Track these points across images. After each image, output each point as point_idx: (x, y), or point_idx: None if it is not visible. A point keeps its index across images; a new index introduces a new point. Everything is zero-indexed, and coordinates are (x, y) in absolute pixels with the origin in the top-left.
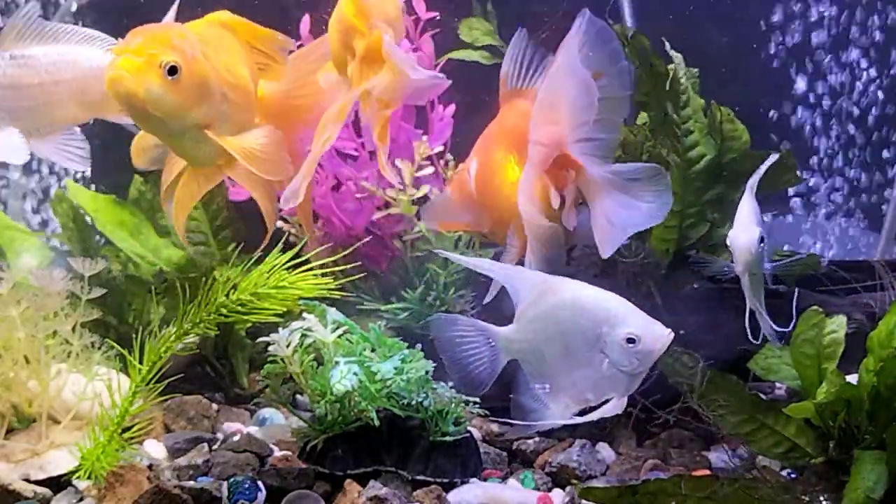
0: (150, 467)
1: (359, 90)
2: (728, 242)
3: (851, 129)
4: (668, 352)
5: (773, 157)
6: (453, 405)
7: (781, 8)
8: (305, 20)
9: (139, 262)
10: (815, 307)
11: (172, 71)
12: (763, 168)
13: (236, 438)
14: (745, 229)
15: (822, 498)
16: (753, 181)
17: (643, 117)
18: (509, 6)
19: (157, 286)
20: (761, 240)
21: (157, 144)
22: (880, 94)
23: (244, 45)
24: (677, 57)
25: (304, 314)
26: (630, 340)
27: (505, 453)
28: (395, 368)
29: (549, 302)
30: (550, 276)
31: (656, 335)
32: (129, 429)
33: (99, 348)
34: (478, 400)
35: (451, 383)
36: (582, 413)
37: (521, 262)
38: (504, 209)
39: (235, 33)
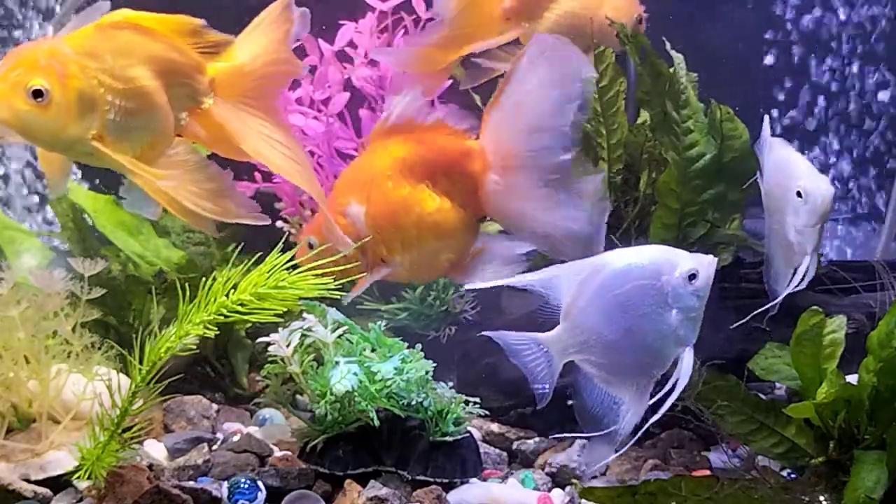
0: (150, 467)
1: None
2: (800, 192)
3: (851, 128)
4: None
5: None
6: (453, 405)
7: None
8: None
9: (139, 263)
10: (815, 307)
11: (38, 94)
12: (766, 127)
13: (236, 438)
14: (818, 178)
15: (822, 498)
16: (767, 135)
17: (643, 116)
18: None
19: (157, 286)
20: None
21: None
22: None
23: (155, 39)
24: (678, 57)
25: (304, 314)
26: (692, 277)
27: (505, 453)
28: (395, 368)
29: (599, 280)
30: (585, 259)
31: (707, 262)
32: (129, 429)
33: (99, 348)
34: (478, 400)
35: (451, 383)
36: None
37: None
38: (424, 240)
39: (140, 29)
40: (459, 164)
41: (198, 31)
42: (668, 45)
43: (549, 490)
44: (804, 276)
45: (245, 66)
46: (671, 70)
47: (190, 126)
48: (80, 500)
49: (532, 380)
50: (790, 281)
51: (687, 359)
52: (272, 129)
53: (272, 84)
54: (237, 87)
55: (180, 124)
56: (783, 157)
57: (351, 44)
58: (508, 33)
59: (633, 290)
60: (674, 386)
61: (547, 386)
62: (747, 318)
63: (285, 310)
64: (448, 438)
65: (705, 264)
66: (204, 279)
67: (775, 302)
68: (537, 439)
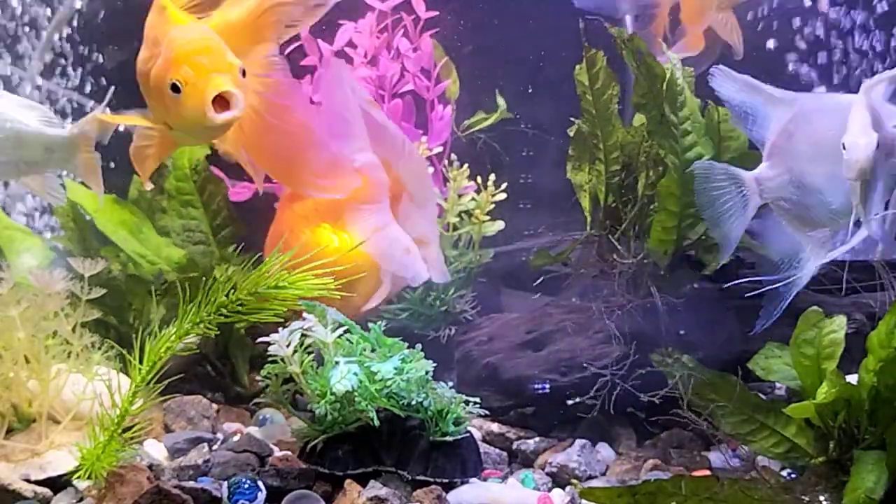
0: (150, 467)
1: None
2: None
3: None
4: (666, 352)
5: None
6: (453, 405)
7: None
8: None
9: (139, 262)
10: (815, 307)
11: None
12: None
13: (236, 438)
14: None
15: (822, 498)
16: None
17: (640, 118)
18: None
19: (157, 286)
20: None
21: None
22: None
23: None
24: (674, 57)
25: (304, 314)
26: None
27: (505, 453)
28: (395, 368)
29: (807, 122)
30: (798, 97)
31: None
32: (129, 429)
33: (99, 348)
34: (478, 400)
35: (451, 383)
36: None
37: None
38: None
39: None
40: None
41: None
42: (664, 47)
43: (549, 490)
44: None
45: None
46: (666, 70)
47: None
48: (80, 500)
49: (723, 220)
50: None
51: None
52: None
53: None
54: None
55: None
56: None
57: (350, 44)
58: None
59: (839, 137)
60: (854, 234)
61: (736, 232)
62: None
63: (286, 310)
64: (448, 438)
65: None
66: (204, 278)
67: None
68: (537, 439)
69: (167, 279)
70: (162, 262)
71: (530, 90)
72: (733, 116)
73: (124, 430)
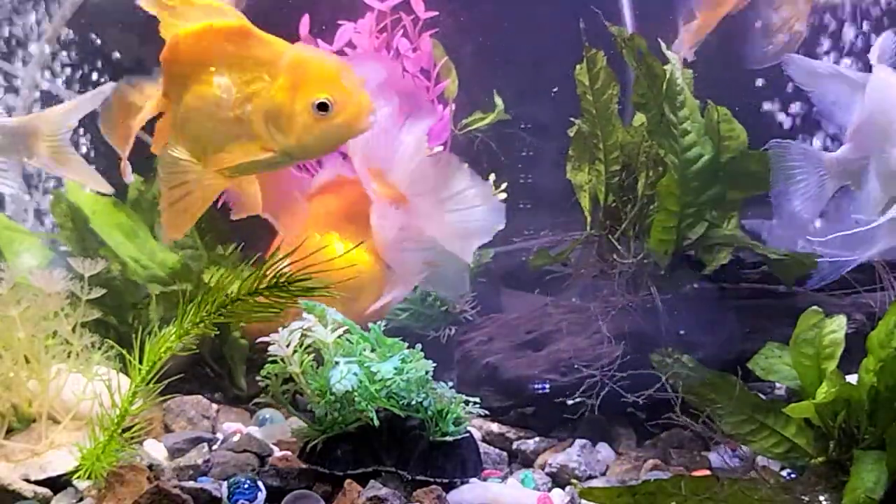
0: (150, 467)
1: None
2: None
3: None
4: (666, 352)
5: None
6: (453, 405)
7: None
8: (305, 20)
9: (133, 266)
10: (814, 307)
11: None
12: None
13: (236, 438)
14: None
15: (822, 498)
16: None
17: (640, 118)
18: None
19: (139, 301)
20: None
21: None
22: None
23: None
24: (673, 57)
25: (304, 314)
26: None
27: (505, 453)
28: (395, 368)
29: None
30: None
31: None
32: (129, 429)
33: (99, 348)
34: (478, 400)
35: (451, 383)
36: None
37: None
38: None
39: None
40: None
41: None
42: (663, 46)
43: (549, 490)
44: None
45: None
46: (666, 70)
47: None
48: (80, 500)
49: (797, 200)
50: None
51: None
52: None
53: None
54: None
55: None
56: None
57: (350, 44)
58: None
59: None
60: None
61: (810, 213)
62: None
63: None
64: (448, 438)
65: None
66: (197, 283)
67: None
68: (537, 439)
69: (149, 293)
70: (156, 266)
71: (545, 89)
72: (815, 102)
73: (124, 430)
